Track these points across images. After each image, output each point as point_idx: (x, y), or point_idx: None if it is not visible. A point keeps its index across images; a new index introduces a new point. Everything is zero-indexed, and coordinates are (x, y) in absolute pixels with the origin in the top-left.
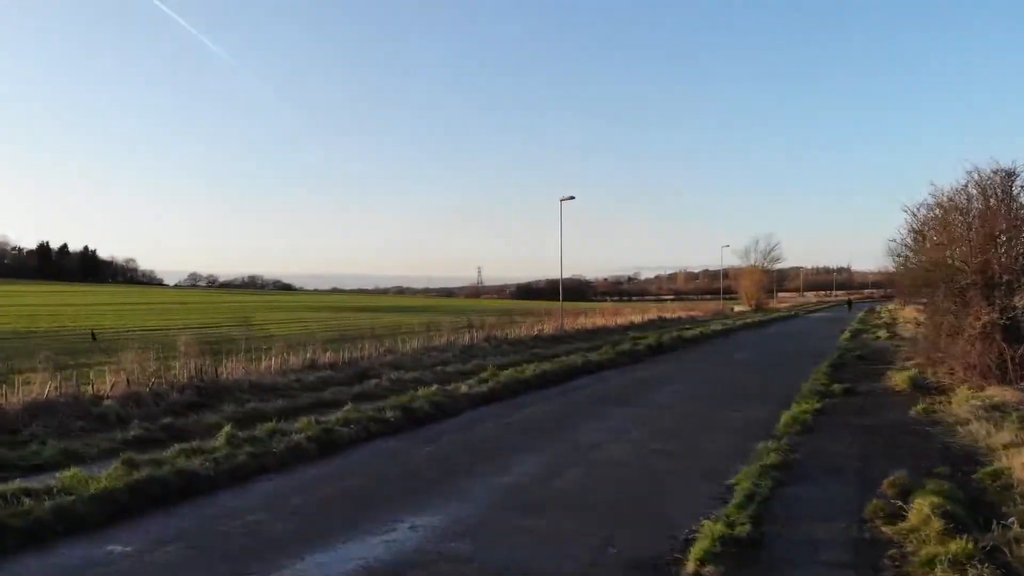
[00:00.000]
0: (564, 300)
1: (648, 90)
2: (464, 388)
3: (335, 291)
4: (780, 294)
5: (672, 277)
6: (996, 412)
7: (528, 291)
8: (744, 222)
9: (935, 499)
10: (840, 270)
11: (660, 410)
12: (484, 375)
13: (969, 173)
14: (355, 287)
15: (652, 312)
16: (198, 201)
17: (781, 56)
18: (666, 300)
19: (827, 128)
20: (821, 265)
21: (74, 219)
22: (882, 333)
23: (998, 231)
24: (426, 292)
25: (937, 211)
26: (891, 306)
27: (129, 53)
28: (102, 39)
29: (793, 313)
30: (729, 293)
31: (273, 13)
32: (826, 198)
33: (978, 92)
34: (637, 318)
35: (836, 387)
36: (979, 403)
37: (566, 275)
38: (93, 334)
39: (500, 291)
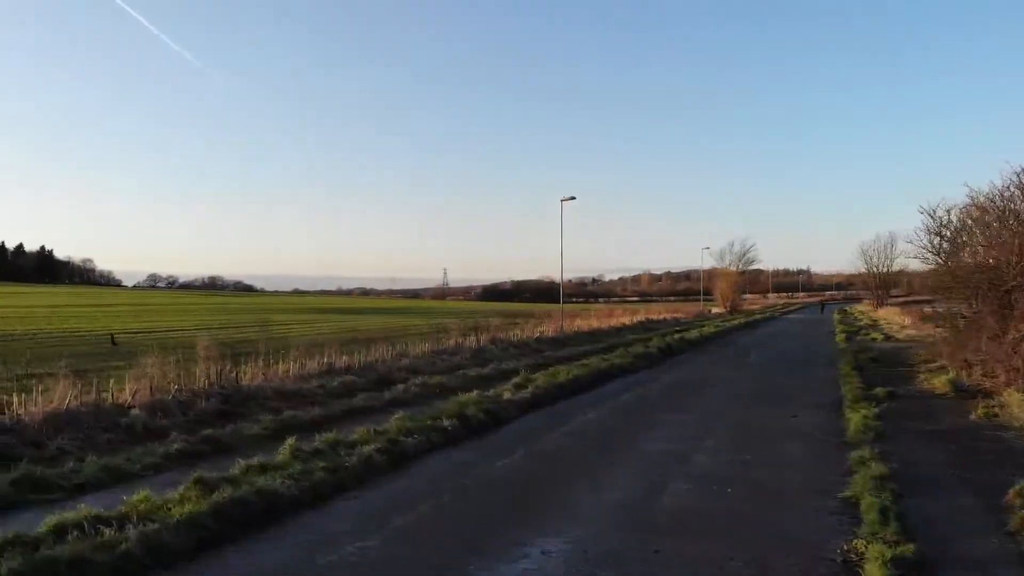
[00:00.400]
0: (536, 301)
1: (609, 98)
2: (507, 394)
3: (296, 292)
4: (746, 295)
5: (636, 279)
6: None
7: (495, 292)
8: (705, 224)
9: None
10: (800, 272)
11: (713, 416)
12: (518, 380)
13: (1017, 174)
14: (317, 288)
15: (640, 314)
16: (155, 201)
17: (744, 71)
18: (633, 301)
19: (786, 134)
20: (782, 267)
21: (30, 219)
22: (877, 335)
23: None
24: (391, 293)
25: (976, 213)
26: (860, 307)
27: (84, 50)
28: (60, 36)
29: (769, 315)
30: (698, 294)
31: (243, 13)
32: (786, 202)
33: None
34: (627, 320)
35: (879, 391)
36: None
37: (535, 276)
38: (113, 338)
39: (466, 292)
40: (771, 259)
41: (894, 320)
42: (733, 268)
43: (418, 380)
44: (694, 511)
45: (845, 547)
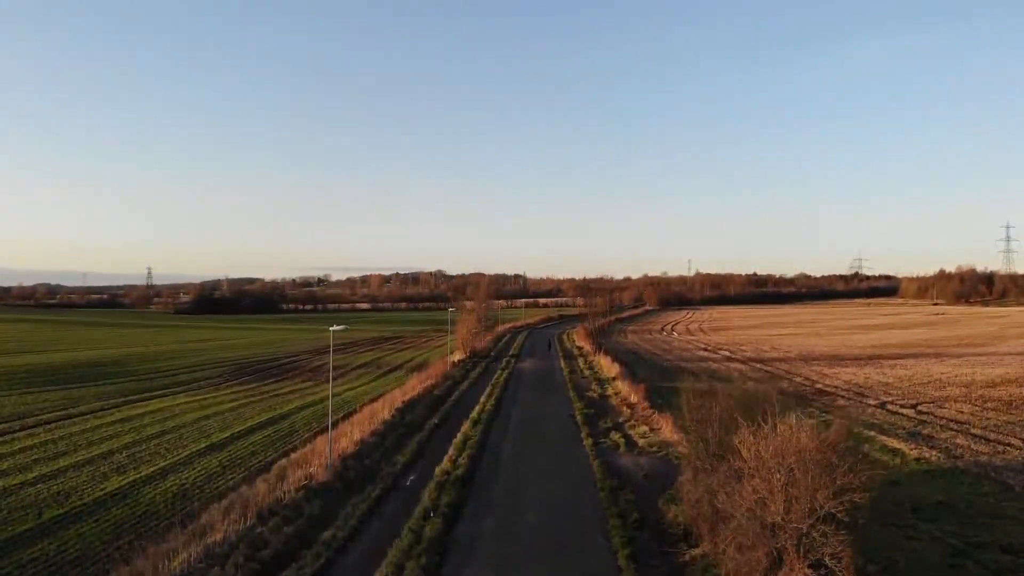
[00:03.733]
0: (258, 312)
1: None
2: None
3: None
4: (468, 303)
5: (365, 280)
6: None
7: (210, 301)
8: (425, 224)
9: None
10: (517, 277)
11: None
12: None
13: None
14: None
15: (398, 397)
16: None
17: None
18: (364, 310)
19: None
20: (500, 272)
21: None
22: (618, 438)
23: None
24: (86, 293)
25: (754, 462)
26: (579, 341)
27: None
28: None
29: (504, 363)
30: (428, 300)
31: None
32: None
33: None
34: (388, 413)
35: None
36: None
37: (252, 275)
38: None
39: (174, 293)
40: (490, 266)
41: (621, 389)
42: (474, 310)
43: None
44: None
45: None
